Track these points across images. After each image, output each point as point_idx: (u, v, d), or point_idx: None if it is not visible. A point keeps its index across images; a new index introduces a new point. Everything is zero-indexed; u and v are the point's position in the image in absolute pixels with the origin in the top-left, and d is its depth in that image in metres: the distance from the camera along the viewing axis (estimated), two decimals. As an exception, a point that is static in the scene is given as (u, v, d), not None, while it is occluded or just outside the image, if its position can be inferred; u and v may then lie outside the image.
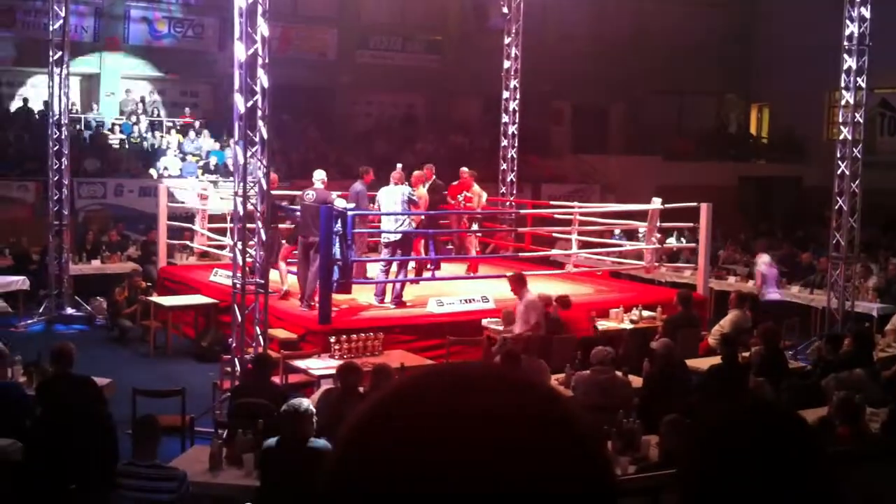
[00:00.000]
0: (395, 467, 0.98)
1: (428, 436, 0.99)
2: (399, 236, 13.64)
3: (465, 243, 16.96)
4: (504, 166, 19.73)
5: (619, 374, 9.52)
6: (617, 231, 19.57)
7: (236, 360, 10.60)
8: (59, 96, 16.15)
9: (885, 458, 6.93)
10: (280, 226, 13.80)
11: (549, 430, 1.02)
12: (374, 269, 14.38)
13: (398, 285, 13.87)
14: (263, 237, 10.74)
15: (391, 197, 13.68)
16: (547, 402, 1.06)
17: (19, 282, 16.38)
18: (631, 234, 19.37)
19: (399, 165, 14.53)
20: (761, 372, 10.05)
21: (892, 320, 13.65)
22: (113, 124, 23.32)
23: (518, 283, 12.13)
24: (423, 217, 14.57)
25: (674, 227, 17.92)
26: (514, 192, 19.86)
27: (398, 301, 13.65)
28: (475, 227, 16.89)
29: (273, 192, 13.60)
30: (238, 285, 10.71)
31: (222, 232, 16.28)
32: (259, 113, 10.50)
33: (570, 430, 1.04)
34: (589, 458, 1.04)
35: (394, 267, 14.11)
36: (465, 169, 16.78)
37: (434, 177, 15.72)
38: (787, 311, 15.09)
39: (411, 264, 14.97)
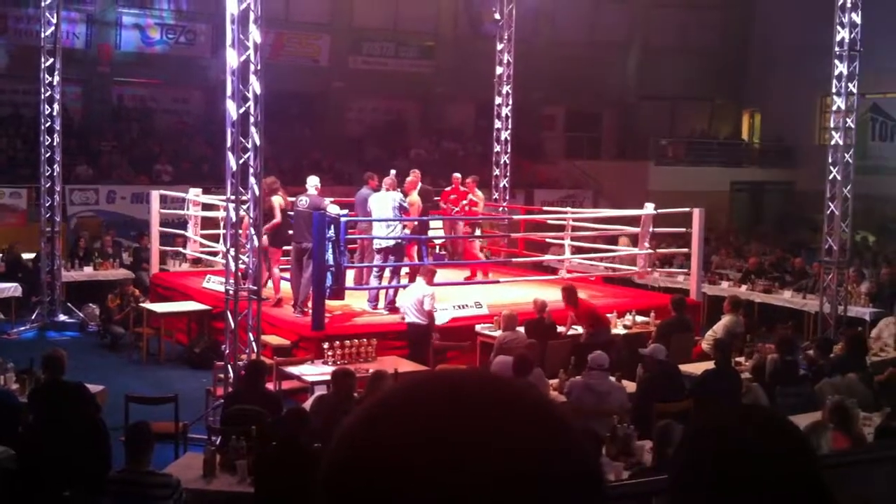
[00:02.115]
0: (387, 472, 0.99)
1: (420, 440, 0.99)
2: (391, 242, 13.62)
3: (469, 249, 16.97)
4: (497, 172, 19.74)
5: (612, 379, 9.54)
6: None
7: (229, 366, 10.57)
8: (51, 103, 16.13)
9: (878, 463, 6.94)
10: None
11: (539, 434, 1.03)
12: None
13: (391, 291, 13.86)
14: (256, 243, 10.72)
15: (383, 203, 13.65)
16: (538, 407, 1.06)
17: (11, 289, 16.35)
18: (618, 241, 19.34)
19: (392, 172, 14.52)
20: (774, 380, 10.09)
21: (878, 327, 13.58)
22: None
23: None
24: (415, 223, 14.59)
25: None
26: (507, 197, 19.87)
27: (391, 307, 13.64)
28: (478, 231, 17.04)
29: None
30: (231, 292, 10.70)
31: (215, 238, 16.27)
32: (251, 119, 10.49)
33: (561, 435, 1.05)
34: (580, 464, 1.05)
35: (386, 273, 14.10)
36: (457, 175, 16.87)
37: (420, 183, 15.75)
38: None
39: (404, 270, 14.96)
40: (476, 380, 1.09)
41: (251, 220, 10.70)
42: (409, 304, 12.09)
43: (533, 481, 0.99)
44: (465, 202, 16.39)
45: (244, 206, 10.63)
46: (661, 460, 7.32)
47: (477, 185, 16.77)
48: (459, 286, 15.26)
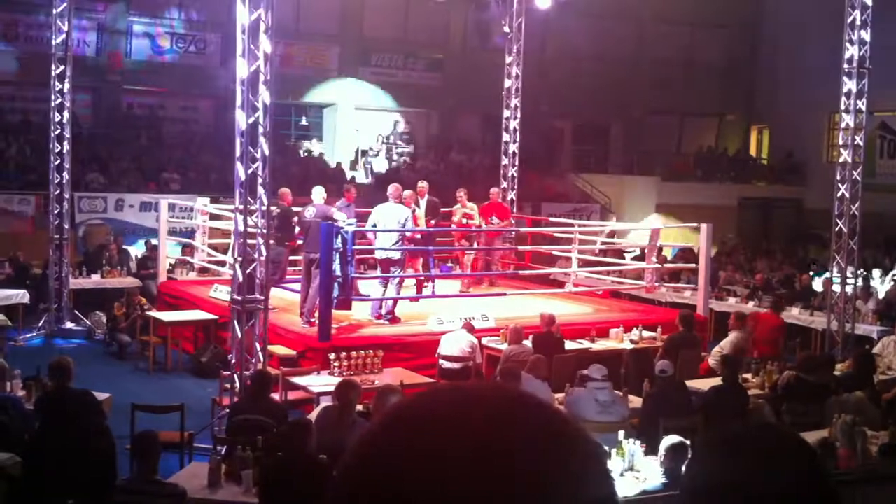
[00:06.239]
0: (402, 486, 0.99)
1: (433, 455, 1.00)
2: (395, 254, 13.56)
3: (462, 261, 17.06)
4: (505, 185, 19.74)
5: (616, 392, 9.57)
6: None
7: (235, 376, 10.57)
8: (61, 110, 16.19)
9: (884, 481, 6.92)
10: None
11: (553, 447, 1.03)
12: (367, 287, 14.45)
13: (390, 301, 13.83)
14: (264, 252, 10.72)
15: (389, 215, 13.57)
16: (551, 419, 1.07)
17: (19, 295, 16.37)
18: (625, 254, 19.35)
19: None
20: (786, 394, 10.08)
21: (881, 343, 13.47)
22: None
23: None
24: (419, 235, 14.60)
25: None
26: (515, 210, 19.86)
27: (391, 317, 13.61)
28: (474, 244, 17.02)
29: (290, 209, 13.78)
30: (238, 301, 10.70)
31: (222, 248, 16.29)
32: (260, 129, 10.51)
33: (574, 447, 1.05)
34: (593, 475, 1.05)
35: (390, 285, 14.00)
36: (494, 189, 16.92)
37: (427, 195, 15.75)
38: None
39: (409, 281, 14.94)
40: (488, 393, 1.09)
41: (260, 231, 10.70)
42: (454, 352, 11.96)
43: (546, 492, 0.99)
44: (460, 216, 16.41)
45: (252, 216, 10.65)
46: (668, 476, 7.31)
47: (467, 196, 16.78)
48: (465, 298, 15.29)
